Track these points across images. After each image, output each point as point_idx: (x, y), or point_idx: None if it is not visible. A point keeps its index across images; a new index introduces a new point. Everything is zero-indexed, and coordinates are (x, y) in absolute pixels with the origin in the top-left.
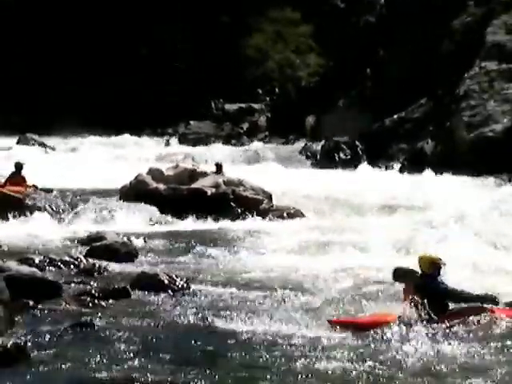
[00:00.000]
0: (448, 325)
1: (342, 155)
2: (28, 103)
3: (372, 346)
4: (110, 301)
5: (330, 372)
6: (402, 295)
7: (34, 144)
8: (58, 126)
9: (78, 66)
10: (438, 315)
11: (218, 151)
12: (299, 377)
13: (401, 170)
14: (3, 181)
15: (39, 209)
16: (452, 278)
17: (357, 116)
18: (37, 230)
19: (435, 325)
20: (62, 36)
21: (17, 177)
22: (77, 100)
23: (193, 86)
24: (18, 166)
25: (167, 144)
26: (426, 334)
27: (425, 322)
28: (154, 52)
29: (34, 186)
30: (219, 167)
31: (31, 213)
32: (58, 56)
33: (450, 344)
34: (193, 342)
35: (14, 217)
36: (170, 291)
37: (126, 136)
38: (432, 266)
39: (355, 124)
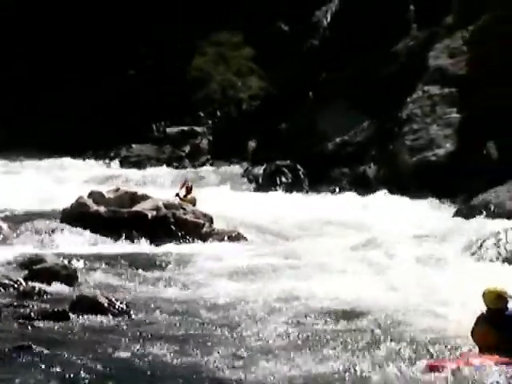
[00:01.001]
0: None
1: (283, 179)
2: None
3: None
4: (49, 323)
5: None
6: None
7: None
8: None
9: (30, 82)
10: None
11: (159, 174)
12: None
13: (342, 194)
14: None
15: None
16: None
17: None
18: None
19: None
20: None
21: None
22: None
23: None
24: None
25: (108, 166)
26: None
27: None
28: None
29: None
30: (188, 189)
31: None
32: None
33: None
34: (128, 367)
35: None
36: (109, 314)
37: (68, 159)
38: (499, 301)
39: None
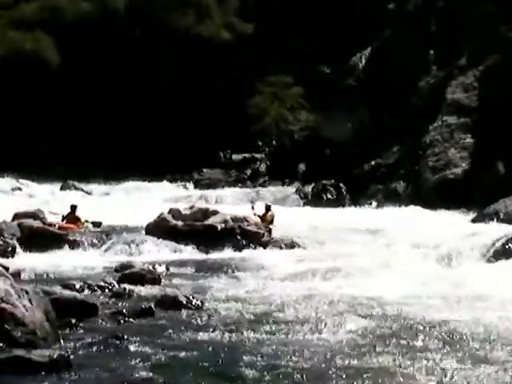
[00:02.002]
0: None
1: (328, 195)
2: (67, 155)
3: None
4: (138, 319)
5: None
6: None
7: (74, 189)
8: (93, 174)
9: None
10: None
11: (227, 193)
12: None
13: (378, 207)
14: (60, 220)
15: (80, 243)
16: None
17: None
18: (77, 261)
19: None
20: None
21: (72, 216)
22: (108, 152)
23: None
24: (73, 207)
25: (184, 188)
26: None
27: None
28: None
29: (86, 220)
30: (268, 208)
31: (73, 246)
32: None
33: None
34: (203, 352)
35: (59, 249)
36: (187, 310)
37: (151, 181)
38: None
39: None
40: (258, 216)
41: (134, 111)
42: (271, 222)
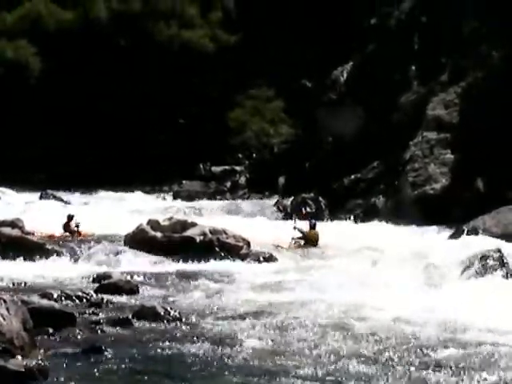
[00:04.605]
0: None
1: (308, 209)
2: (52, 159)
3: None
4: (116, 329)
5: None
6: None
7: (53, 199)
8: (74, 182)
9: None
10: None
11: (206, 205)
12: None
13: (356, 221)
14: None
15: (58, 252)
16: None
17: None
18: (55, 270)
19: None
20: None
21: (67, 226)
22: (87, 160)
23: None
24: (69, 217)
25: (163, 199)
26: None
27: None
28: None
29: (77, 226)
30: (313, 226)
31: (52, 255)
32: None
33: None
34: (181, 364)
35: (37, 258)
36: (165, 321)
37: (130, 192)
38: None
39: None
40: (301, 233)
41: (121, 115)
42: (316, 241)
